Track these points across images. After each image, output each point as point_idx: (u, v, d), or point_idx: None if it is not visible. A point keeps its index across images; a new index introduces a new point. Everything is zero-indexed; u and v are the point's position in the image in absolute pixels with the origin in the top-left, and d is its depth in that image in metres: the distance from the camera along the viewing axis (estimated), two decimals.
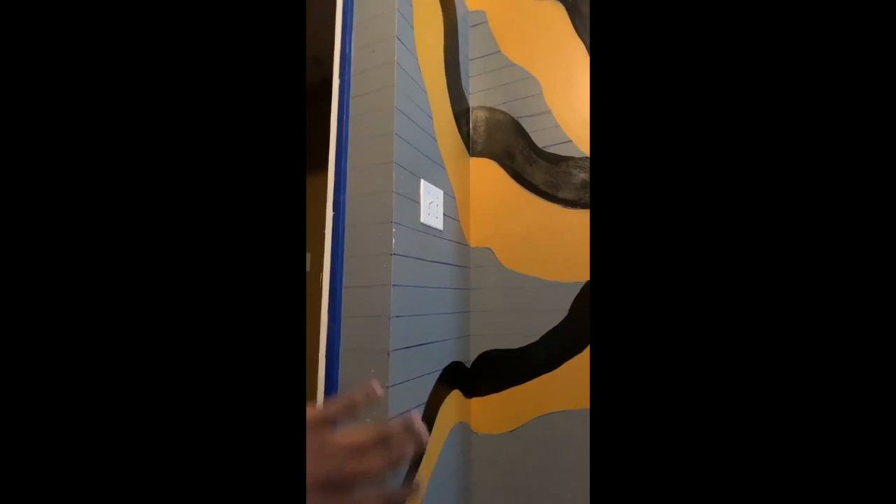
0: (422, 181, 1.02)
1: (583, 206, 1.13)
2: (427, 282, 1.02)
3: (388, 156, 0.92)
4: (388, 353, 0.85)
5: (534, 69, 1.25)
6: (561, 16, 1.23)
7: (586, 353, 1.08)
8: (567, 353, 1.10)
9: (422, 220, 1.00)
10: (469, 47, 1.36)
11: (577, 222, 1.13)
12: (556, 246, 1.16)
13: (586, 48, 1.19)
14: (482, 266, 1.25)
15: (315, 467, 0.27)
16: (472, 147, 1.31)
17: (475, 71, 1.34)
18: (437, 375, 1.03)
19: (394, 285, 0.88)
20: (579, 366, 1.08)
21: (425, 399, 0.97)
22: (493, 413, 1.17)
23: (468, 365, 1.20)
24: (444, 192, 1.13)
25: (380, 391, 0.32)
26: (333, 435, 0.29)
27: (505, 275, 1.21)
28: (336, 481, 0.27)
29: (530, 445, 1.10)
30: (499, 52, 1.31)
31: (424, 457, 0.94)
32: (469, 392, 1.19)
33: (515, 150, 1.24)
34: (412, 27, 1.02)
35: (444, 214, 1.12)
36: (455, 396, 1.11)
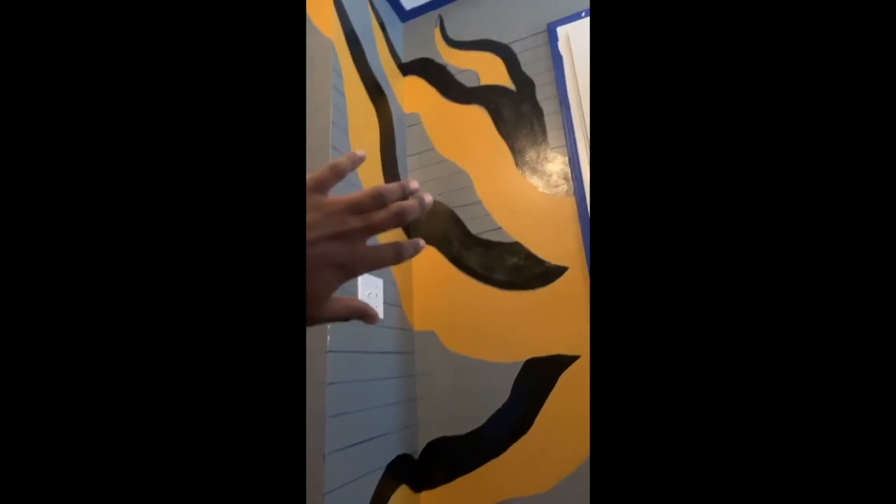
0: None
1: (516, 288, 1.20)
2: (368, 374, 1.02)
3: None
4: (324, 457, 0.83)
5: (464, 164, 1.38)
6: (484, 118, 1.39)
7: (531, 434, 1.09)
8: (513, 436, 1.10)
9: None
10: (406, 145, 1.48)
11: (512, 303, 1.20)
12: (494, 327, 1.20)
13: (508, 146, 1.33)
14: (426, 349, 1.26)
15: (318, 223, 0.26)
16: (413, 233, 1.38)
17: (413, 166, 1.45)
18: (380, 473, 1.00)
19: (329, 383, 0.88)
20: (526, 448, 1.08)
21: (368, 502, 0.93)
22: None
23: (416, 456, 1.17)
24: (385, 280, 1.17)
25: (361, 153, 0.31)
26: (329, 198, 0.28)
27: (449, 358, 1.23)
28: (343, 235, 0.27)
29: None
30: (433, 149, 1.44)
31: None
32: (418, 486, 1.15)
33: (452, 236, 1.32)
34: (347, 134, 1.11)
35: (385, 302, 1.15)
36: (402, 493, 1.07)
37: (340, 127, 1.09)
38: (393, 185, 0.29)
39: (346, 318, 0.30)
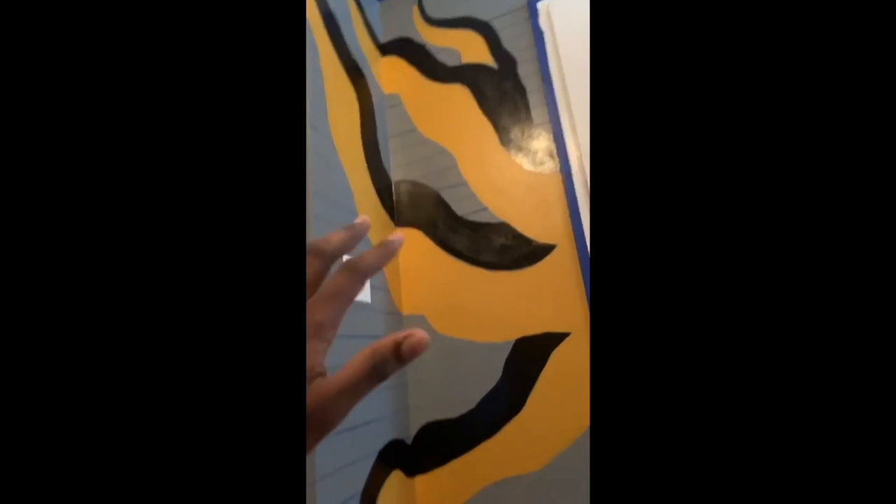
0: (344, 259, 1.03)
1: (504, 268, 1.19)
2: None
3: (307, 238, 0.93)
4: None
5: (448, 144, 1.35)
6: (467, 97, 1.36)
7: (524, 413, 1.08)
8: (506, 416, 1.10)
9: None
10: (388, 126, 1.45)
11: (501, 283, 1.18)
12: (484, 308, 1.19)
13: (492, 125, 1.31)
14: None
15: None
16: (397, 217, 1.35)
17: (395, 147, 1.42)
18: (373, 458, 0.98)
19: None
20: (520, 427, 1.08)
21: (361, 487, 0.91)
22: (440, 489, 1.11)
23: (409, 441, 1.16)
24: None
25: (363, 219, 0.29)
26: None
27: (439, 341, 1.22)
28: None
29: None
30: (415, 129, 1.40)
31: None
32: (411, 470, 1.13)
33: (438, 219, 1.30)
34: (326, 115, 1.08)
35: (372, 286, 1.13)
36: (396, 478, 1.06)
37: (319, 107, 1.05)
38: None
39: (367, 382, 0.24)
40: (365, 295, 1.07)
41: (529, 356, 1.11)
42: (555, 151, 1.22)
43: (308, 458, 0.80)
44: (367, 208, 1.19)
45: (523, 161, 1.25)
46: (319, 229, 0.95)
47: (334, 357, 0.93)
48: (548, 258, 1.15)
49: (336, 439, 0.87)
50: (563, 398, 1.05)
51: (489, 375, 1.14)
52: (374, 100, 1.39)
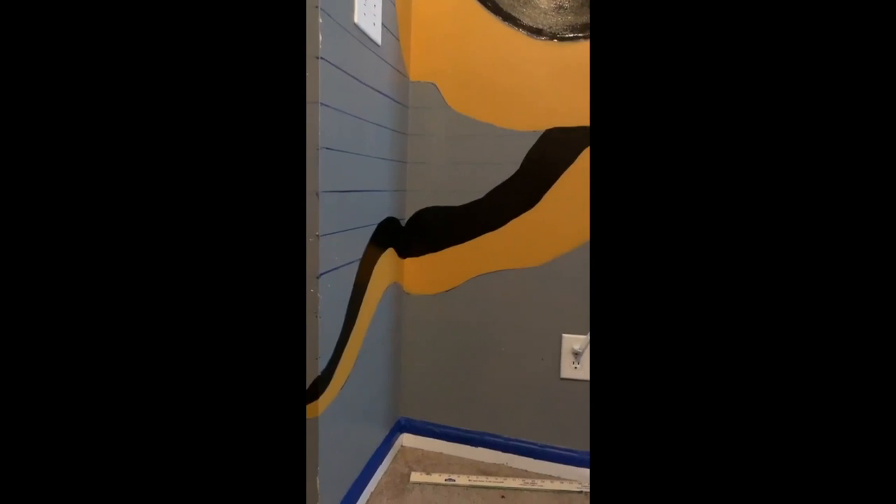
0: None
1: (550, 37, 0.94)
2: (361, 111, 0.78)
3: None
4: (318, 195, 0.65)
5: None
6: None
7: (535, 210, 1.00)
8: (514, 211, 1.01)
9: (355, 19, 0.72)
10: None
11: (541, 57, 0.95)
12: (513, 85, 0.97)
13: None
14: (424, 107, 1.03)
15: None
16: None
17: None
18: (372, 230, 0.87)
19: (322, 104, 0.64)
20: (525, 224, 1.00)
21: (360, 256, 0.82)
22: (427, 274, 1.07)
23: (403, 223, 1.05)
24: None
25: None
26: None
27: (451, 118, 1.02)
28: None
29: (467, 304, 1.05)
30: None
31: (358, 319, 0.83)
32: (403, 252, 1.06)
33: None
34: None
35: (383, 25, 0.84)
36: (390, 255, 0.98)
37: None
38: None
39: None
40: (375, 31, 0.80)
41: (556, 151, 0.97)
42: None
43: (311, 213, 0.65)
44: None
45: None
46: None
47: (332, 96, 0.71)
48: None
49: (341, 198, 0.72)
50: (581, 201, 0.96)
51: (504, 167, 1.00)
52: None
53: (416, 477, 0.99)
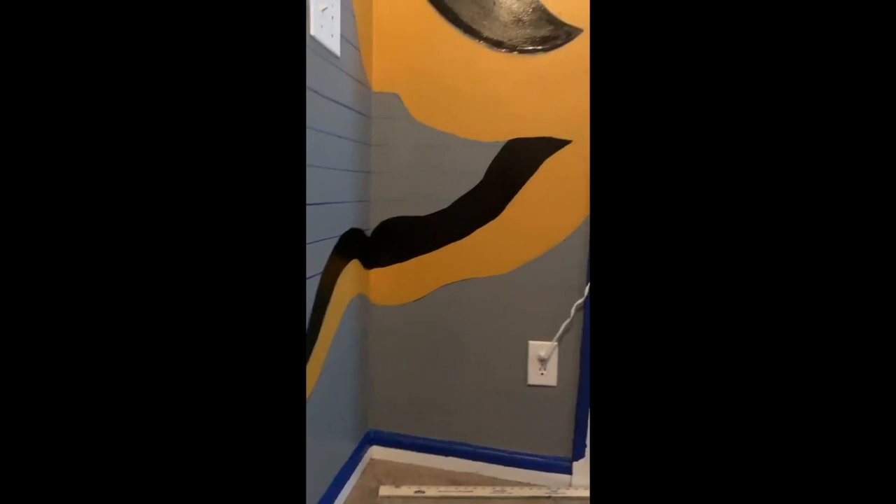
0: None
1: (511, 50, 0.95)
2: (320, 123, 0.78)
3: None
4: None
5: None
6: None
7: (499, 219, 1.01)
8: (479, 220, 1.02)
9: (312, 31, 0.72)
10: None
11: (503, 68, 0.96)
12: (476, 96, 0.98)
13: None
14: (387, 117, 1.03)
15: None
16: None
17: None
18: (334, 242, 0.86)
19: None
20: (491, 233, 1.01)
21: (321, 269, 0.81)
22: (394, 284, 1.07)
23: (368, 233, 1.05)
24: (342, 3, 0.83)
25: None
26: None
27: (414, 129, 1.02)
28: None
29: (434, 313, 1.05)
30: None
31: (321, 332, 0.81)
32: (368, 263, 1.06)
33: None
34: None
35: (343, 37, 0.84)
36: (354, 267, 0.97)
37: None
38: None
39: None
40: (333, 43, 0.79)
41: (519, 161, 0.98)
42: None
43: None
44: None
45: None
46: None
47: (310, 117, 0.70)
48: (569, 45, 0.93)
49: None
50: (544, 209, 0.98)
51: (469, 176, 1.01)
52: None
53: (384, 490, 0.98)
